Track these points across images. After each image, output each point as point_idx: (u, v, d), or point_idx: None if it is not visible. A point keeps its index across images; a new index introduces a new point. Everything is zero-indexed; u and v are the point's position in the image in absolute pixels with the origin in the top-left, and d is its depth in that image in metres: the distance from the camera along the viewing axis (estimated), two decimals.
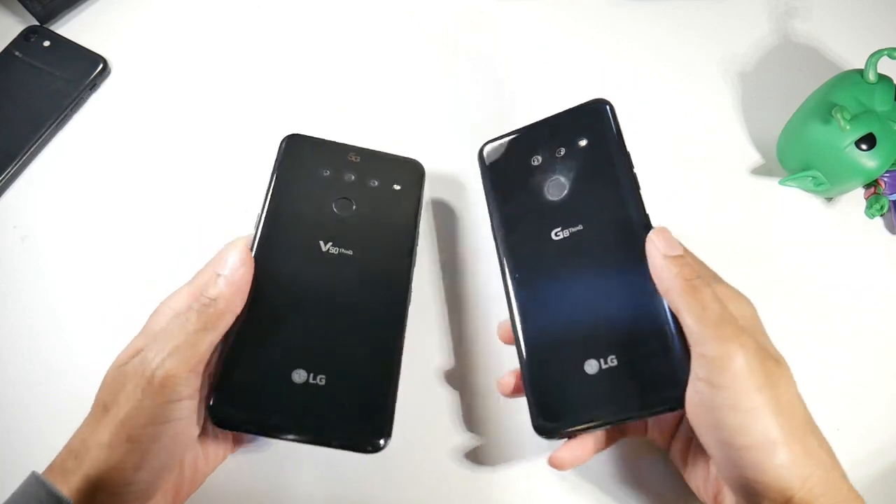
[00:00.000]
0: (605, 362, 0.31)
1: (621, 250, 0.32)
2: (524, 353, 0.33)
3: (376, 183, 0.38)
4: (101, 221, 0.42)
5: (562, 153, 0.35)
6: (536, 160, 0.36)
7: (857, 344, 0.38)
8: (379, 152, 0.39)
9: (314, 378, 0.32)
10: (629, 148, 0.35)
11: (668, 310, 0.30)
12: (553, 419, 0.31)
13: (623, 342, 0.31)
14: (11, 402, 0.38)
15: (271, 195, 0.36)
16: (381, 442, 0.31)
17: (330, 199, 0.37)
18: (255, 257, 0.34)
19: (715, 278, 0.31)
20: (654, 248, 0.31)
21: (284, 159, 0.37)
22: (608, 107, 0.35)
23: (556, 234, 0.34)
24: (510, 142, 0.37)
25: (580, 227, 0.33)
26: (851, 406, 0.36)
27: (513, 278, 0.34)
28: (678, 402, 0.29)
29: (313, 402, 0.31)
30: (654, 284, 0.31)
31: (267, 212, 0.36)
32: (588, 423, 0.30)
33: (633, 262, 0.32)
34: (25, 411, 0.37)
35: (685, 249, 0.31)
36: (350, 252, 0.35)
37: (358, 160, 0.38)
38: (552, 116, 0.37)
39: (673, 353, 0.30)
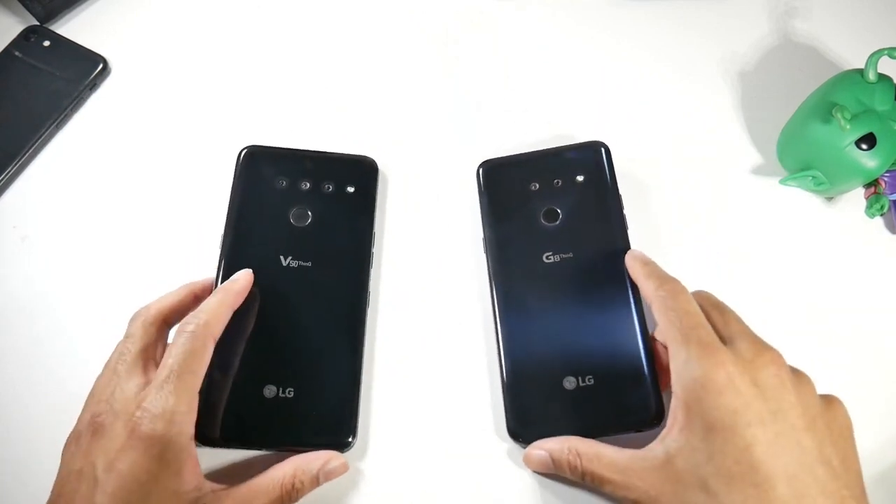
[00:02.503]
0: (583, 380, 0.34)
1: (609, 281, 0.36)
2: (506, 361, 0.35)
3: (331, 188, 0.39)
4: (100, 221, 0.42)
5: (559, 184, 0.38)
6: (534, 186, 0.39)
7: (857, 344, 0.37)
8: (332, 154, 0.40)
9: (283, 392, 0.34)
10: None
11: (643, 340, 0.34)
12: (528, 425, 0.34)
13: (601, 364, 0.34)
14: (11, 402, 0.38)
15: (231, 213, 0.38)
16: (349, 440, 0.34)
17: (287, 211, 0.38)
18: (220, 278, 0.36)
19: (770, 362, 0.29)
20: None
21: (241, 173, 0.39)
22: (605, 149, 0.39)
23: (547, 258, 0.37)
24: (509, 165, 0.40)
25: (571, 255, 0.37)
26: (851, 406, 0.35)
27: (502, 290, 0.37)
28: (645, 425, 0.33)
29: (284, 414, 0.34)
30: (634, 316, 0.35)
31: (229, 231, 0.37)
32: (560, 432, 0.33)
33: (619, 293, 0.35)
34: (25, 411, 0.37)
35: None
36: (308, 263, 0.37)
37: (312, 166, 0.39)
38: (552, 149, 0.40)
39: (645, 380, 0.33)
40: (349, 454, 0.34)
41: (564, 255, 0.37)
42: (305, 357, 0.35)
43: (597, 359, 0.34)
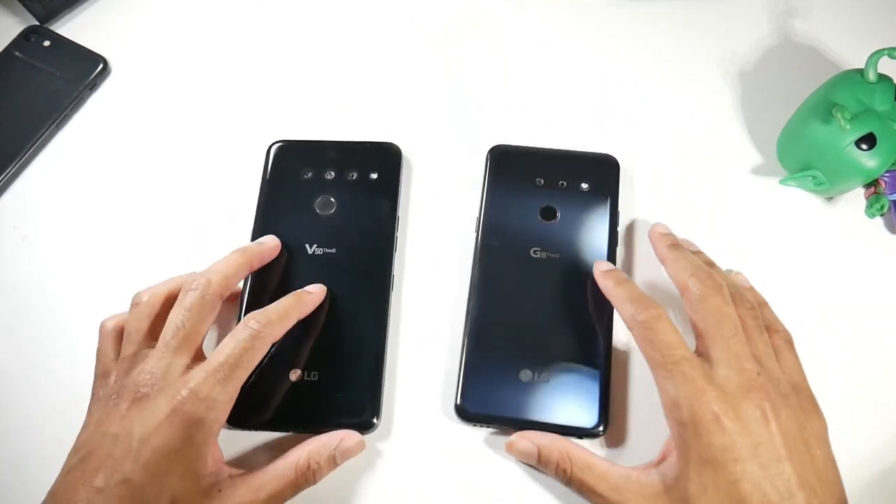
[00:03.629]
0: (539, 377, 0.35)
1: (587, 290, 0.36)
2: (469, 340, 0.36)
3: (354, 175, 0.40)
4: (100, 221, 0.42)
5: (564, 186, 0.39)
6: (540, 181, 0.39)
7: (857, 344, 0.37)
8: (356, 142, 0.41)
9: (308, 375, 0.35)
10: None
11: (605, 355, 0.35)
12: (476, 407, 0.35)
13: (559, 366, 0.35)
14: (11, 401, 0.38)
15: (260, 207, 0.40)
16: (372, 422, 0.35)
17: (312, 201, 0.39)
18: (253, 271, 0.37)
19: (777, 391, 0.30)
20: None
21: (270, 167, 0.41)
22: (616, 164, 0.40)
23: (534, 252, 0.38)
24: (520, 154, 0.41)
25: (558, 255, 0.37)
26: (851, 406, 0.36)
27: (482, 273, 0.38)
28: (586, 435, 0.34)
29: (309, 397, 0.35)
30: (603, 329, 0.36)
31: (258, 225, 0.39)
32: (506, 420, 0.35)
33: (594, 302, 0.36)
34: (25, 411, 0.37)
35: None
36: (333, 250, 0.38)
37: (336, 155, 0.41)
38: (564, 150, 0.41)
39: (595, 393, 0.34)
40: (373, 435, 0.35)
41: (552, 255, 0.37)
42: (330, 341, 0.36)
43: (557, 360, 0.35)
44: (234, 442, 0.36)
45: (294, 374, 0.35)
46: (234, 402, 0.31)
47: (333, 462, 0.33)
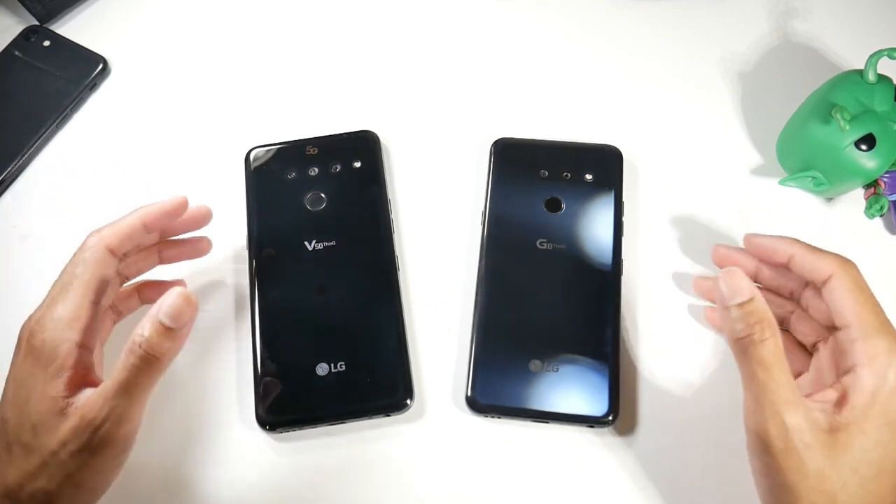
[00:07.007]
0: (549, 367, 0.35)
1: (595, 279, 0.37)
2: (479, 331, 0.36)
3: (338, 167, 0.40)
4: (101, 221, 0.42)
5: (568, 177, 0.39)
6: (544, 173, 0.40)
7: None
8: (332, 136, 0.42)
9: (335, 367, 0.36)
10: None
11: (613, 343, 0.35)
12: (487, 398, 0.35)
13: (569, 356, 0.35)
14: None
15: (249, 212, 0.40)
16: (406, 402, 0.35)
17: (301, 199, 0.40)
18: (254, 274, 0.38)
19: None
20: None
21: (251, 173, 0.41)
22: (619, 155, 0.40)
23: (541, 244, 0.38)
24: (524, 147, 0.41)
25: (564, 246, 0.38)
26: None
27: (489, 265, 0.38)
28: (598, 423, 0.34)
29: (340, 387, 0.35)
30: (611, 319, 0.36)
31: (251, 230, 0.39)
32: (517, 410, 0.35)
33: (601, 292, 0.37)
34: None
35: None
36: (332, 243, 0.38)
37: (316, 151, 0.41)
38: (568, 142, 0.41)
39: (606, 382, 0.35)
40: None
41: (558, 245, 0.38)
42: (349, 330, 0.37)
43: (565, 350, 0.35)
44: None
45: (321, 369, 0.36)
46: (81, 319, 0.31)
47: (162, 327, 0.29)
